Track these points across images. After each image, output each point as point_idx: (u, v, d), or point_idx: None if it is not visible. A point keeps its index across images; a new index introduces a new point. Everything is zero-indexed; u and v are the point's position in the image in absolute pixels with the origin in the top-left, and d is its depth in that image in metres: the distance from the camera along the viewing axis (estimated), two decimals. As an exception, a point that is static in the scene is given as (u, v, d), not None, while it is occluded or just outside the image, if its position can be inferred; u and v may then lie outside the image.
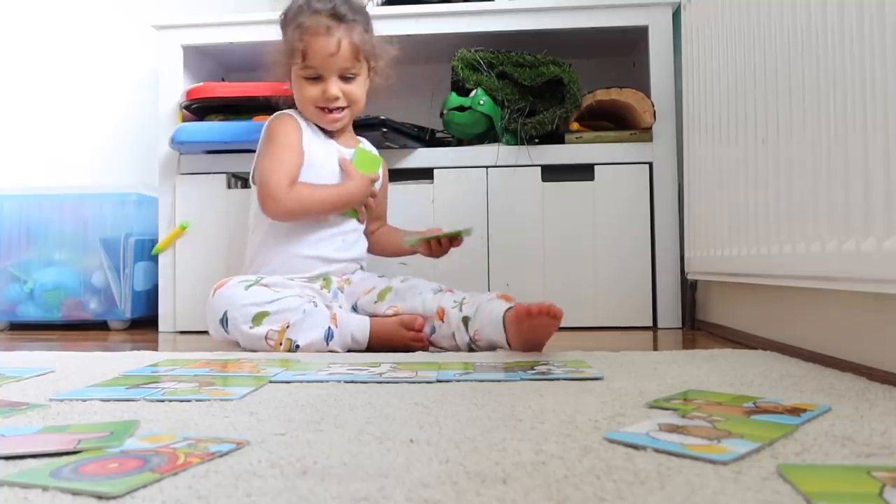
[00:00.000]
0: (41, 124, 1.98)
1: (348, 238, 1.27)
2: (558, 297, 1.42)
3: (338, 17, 1.21)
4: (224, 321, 1.11)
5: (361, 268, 1.30)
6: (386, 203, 1.41)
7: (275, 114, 1.29)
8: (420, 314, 1.13)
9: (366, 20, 1.26)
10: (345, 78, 1.23)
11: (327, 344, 1.09)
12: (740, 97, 1.12)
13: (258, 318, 1.09)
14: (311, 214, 1.22)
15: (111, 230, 1.62)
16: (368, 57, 1.26)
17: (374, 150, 1.37)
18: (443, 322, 1.12)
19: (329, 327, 1.09)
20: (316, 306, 1.11)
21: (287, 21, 1.25)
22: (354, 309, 1.21)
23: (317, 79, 1.22)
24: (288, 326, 1.08)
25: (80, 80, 1.98)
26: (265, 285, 1.13)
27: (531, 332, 1.01)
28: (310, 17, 1.21)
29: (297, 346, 1.08)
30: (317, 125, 1.28)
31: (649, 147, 1.49)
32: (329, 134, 1.29)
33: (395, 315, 1.15)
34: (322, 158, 1.25)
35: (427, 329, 1.13)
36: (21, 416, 0.60)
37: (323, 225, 1.24)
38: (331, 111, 1.24)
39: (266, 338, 1.08)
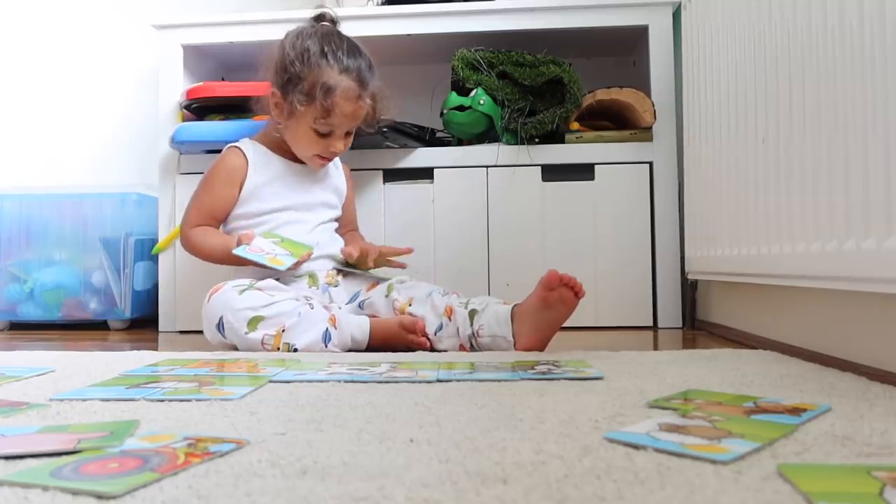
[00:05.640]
0: (41, 124, 1.98)
1: (322, 238, 1.29)
2: (558, 297, 1.43)
3: (363, 82, 1.22)
4: (220, 326, 1.11)
5: (338, 268, 1.30)
6: (353, 210, 1.44)
7: (227, 146, 1.31)
8: (428, 313, 1.13)
9: (377, 77, 1.27)
10: (347, 134, 1.26)
11: (325, 346, 1.09)
12: (740, 97, 1.12)
13: (253, 323, 1.09)
14: (202, 259, 1.26)
15: (111, 230, 1.61)
16: (376, 115, 1.28)
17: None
18: (450, 320, 1.12)
19: (326, 329, 1.09)
20: (312, 308, 1.11)
21: (305, 59, 1.20)
22: (360, 306, 1.22)
23: (326, 135, 1.23)
24: (284, 330, 1.08)
25: (80, 80, 1.98)
26: (259, 289, 1.13)
27: (551, 309, 1.03)
28: (337, 76, 1.19)
29: (296, 349, 1.08)
30: (268, 147, 1.31)
31: (649, 147, 1.49)
32: (280, 151, 1.31)
33: (402, 312, 1.15)
34: (270, 177, 1.28)
35: (433, 327, 1.13)
36: (21, 416, 0.60)
37: (294, 227, 1.26)
38: (325, 158, 1.28)
39: (262, 342, 1.08)
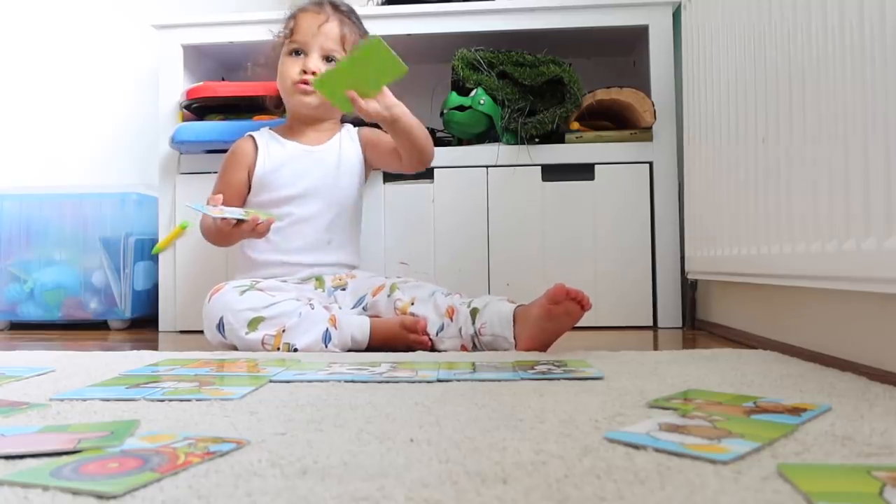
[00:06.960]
0: (41, 124, 1.98)
1: (333, 242, 1.28)
2: (558, 297, 1.43)
3: (333, 5, 1.31)
4: (220, 326, 1.11)
5: (353, 268, 1.30)
6: (384, 140, 1.33)
7: (244, 135, 1.34)
8: (431, 313, 1.13)
9: (359, 24, 1.35)
10: (327, 59, 1.29)
11: (325, 346, 1.09)
12: (740, 97, 1.12)
13: (254, 324, 1.09)
14: (209, 242, 1.27)
15: (111, 230, 1.61)
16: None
17: (350, 139, 1.36)
18: (452, 321, 1.12)
19: (326, 329, 1.09)
20: (312, 308, 1.11)
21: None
22: (364, 308, 1.21)
23: (300, 55, 1.28)
24: (284, 331, 1.08)
25: (80, 80, 1.98)
26: (260, 290, 1.13)
27: (555, 321, 1.02)
28: (304, 5, 1.32)
29: (296, 350, 1.08)
30: (281, 134, 1.33)
31: (649, 147, 1.49)
32: (293, 136, 1.32)
33: (404, 311, 1.15)
34: (280, 163, 1.29)
35: (435, 328, 1.13)
36: (21, 416, 0.60)
37: (308, 226, 1.26)
38: (305, 84, 1.27)
39: (263, 343, 1.08)
